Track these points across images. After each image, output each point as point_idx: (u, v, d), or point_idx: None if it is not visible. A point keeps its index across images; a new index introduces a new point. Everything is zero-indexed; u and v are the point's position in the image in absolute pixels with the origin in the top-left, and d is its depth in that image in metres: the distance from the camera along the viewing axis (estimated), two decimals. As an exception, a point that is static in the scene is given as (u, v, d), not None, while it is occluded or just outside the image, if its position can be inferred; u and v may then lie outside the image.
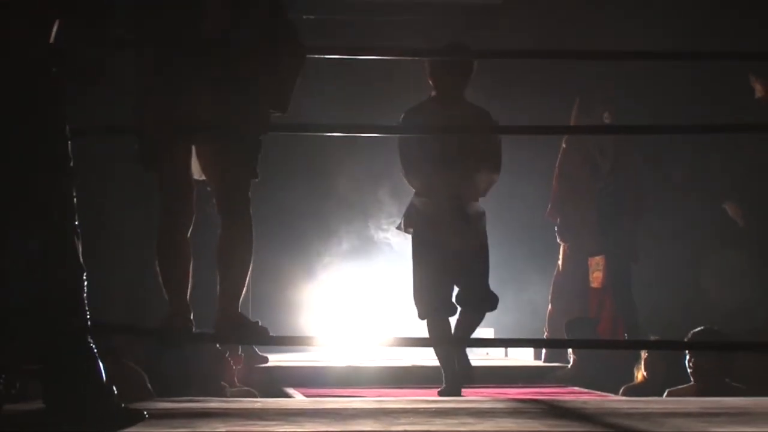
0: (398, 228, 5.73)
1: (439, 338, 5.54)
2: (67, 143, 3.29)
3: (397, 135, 5.71)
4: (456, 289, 5.60)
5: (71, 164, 3.29)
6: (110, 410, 3.27)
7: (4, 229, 3.24)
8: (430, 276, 5.50)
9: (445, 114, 5.45)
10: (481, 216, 5.61)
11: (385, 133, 5.65)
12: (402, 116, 5.58)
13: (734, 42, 7.54)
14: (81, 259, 3.28)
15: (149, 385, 4.48)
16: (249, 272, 4.31)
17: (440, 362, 5.61)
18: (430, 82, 5.59)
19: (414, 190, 5.61)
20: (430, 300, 5.48)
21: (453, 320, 5.66)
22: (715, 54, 6.09)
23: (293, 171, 8.94)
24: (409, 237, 5.67)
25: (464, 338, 5.68)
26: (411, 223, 5.59)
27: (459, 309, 5.61)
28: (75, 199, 3.30)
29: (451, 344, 5.67)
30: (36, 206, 3.24)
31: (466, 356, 5.74)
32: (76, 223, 3.29)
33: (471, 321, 5.64)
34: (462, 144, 5.46)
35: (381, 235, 9.21)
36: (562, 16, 8.57)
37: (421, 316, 5.55)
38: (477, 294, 5.57)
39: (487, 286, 5.61)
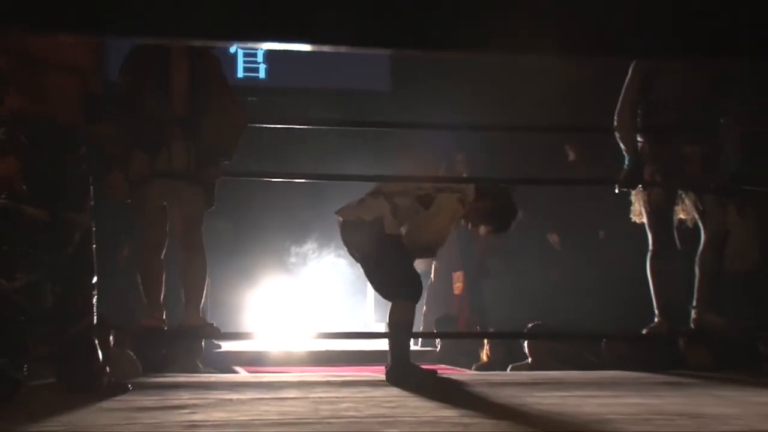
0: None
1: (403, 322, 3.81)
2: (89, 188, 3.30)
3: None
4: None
5: (92, 203, 3.31)
6: (103, 383, 3.28)
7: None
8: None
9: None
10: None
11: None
12: None
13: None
14: (95, 270, 3.30)
15: (140, 367, 4.46)
16: (205, 287, 4.37)
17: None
18: None
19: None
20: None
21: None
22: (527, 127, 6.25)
23: (245, 206, 8.87)
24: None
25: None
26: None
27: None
28: (94, 229, 3.32)
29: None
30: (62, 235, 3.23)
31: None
32: (93, 246, 3.32)
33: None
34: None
35: (308, 251, 9.20)
36: (446, 99, 8.44)
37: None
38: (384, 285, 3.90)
39: (394, 277, 3.84)
